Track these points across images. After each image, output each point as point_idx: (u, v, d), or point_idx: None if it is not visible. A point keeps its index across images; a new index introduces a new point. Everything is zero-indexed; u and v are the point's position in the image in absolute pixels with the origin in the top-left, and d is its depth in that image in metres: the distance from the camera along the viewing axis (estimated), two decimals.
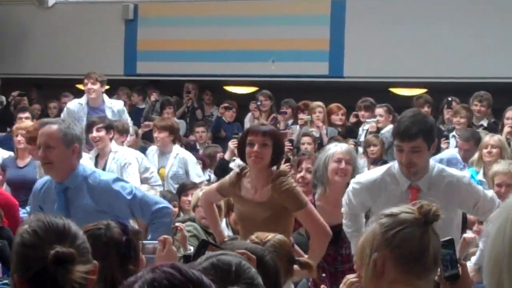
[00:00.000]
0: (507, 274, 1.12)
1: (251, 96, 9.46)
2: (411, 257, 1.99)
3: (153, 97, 9.56)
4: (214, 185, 4.39)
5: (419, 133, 3.51)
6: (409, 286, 1.99)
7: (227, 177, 4.17)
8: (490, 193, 4.22)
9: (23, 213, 5.49)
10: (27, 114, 7.21)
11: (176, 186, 6.17)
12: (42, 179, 4.22)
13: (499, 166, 5.04)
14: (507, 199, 1.22)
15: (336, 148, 4.34)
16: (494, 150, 5.59)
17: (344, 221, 3.87)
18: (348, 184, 3.97)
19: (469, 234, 4.39)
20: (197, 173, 6.43)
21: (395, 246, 2.00)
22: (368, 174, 4.20)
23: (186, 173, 6.43)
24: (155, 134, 6.58)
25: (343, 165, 4.15)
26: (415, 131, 3.51)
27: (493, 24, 9.33)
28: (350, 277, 2.45)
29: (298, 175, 4.79)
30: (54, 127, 3.89)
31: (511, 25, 9.25)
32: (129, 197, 3.80)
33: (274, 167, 3.89)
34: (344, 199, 3.85)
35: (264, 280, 2.06)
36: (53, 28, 10.98)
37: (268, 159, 3.77)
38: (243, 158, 3.93)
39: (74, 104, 6.90)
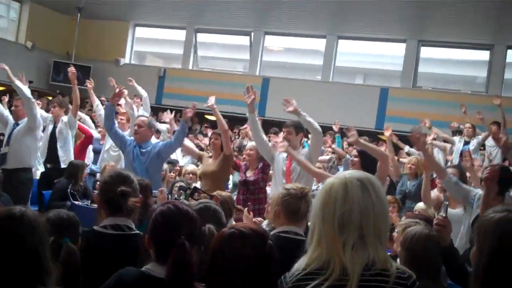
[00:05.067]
0: (317, 224, 1.59)
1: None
2: (290, 212, 2.83)
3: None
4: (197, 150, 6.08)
5: (292, 125, 4.93)
6: (290, 225, 2.82)
7: (203, 154, 5.99)
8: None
9: (96, 167, 7.25)
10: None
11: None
12: (131, 143, 5.41)
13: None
14: (324, 183, 1.60)
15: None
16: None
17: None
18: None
19: None
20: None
21: (284, 206, 2.82)
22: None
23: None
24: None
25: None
26: (290, 124, 4.94)
27: (336, 97, 12.69)
28: (259, 219, 3.90)
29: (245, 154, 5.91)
30: (145, 118, 5.40)
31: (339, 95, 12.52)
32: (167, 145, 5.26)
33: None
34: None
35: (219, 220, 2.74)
36: (122, 79, 10.48)
37: (220, 147, 5.57)
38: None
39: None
